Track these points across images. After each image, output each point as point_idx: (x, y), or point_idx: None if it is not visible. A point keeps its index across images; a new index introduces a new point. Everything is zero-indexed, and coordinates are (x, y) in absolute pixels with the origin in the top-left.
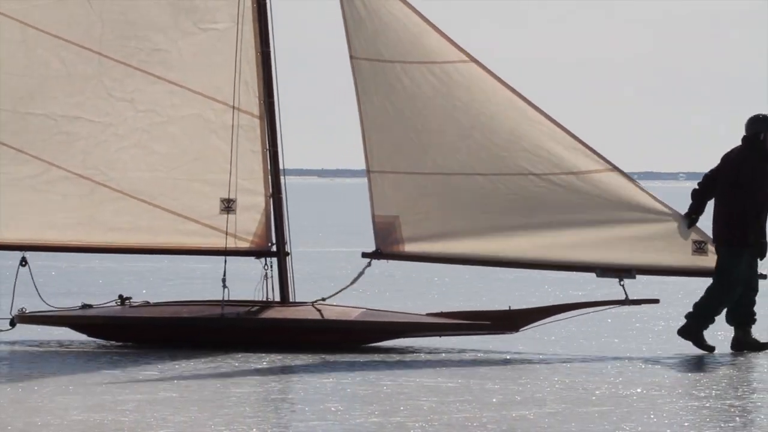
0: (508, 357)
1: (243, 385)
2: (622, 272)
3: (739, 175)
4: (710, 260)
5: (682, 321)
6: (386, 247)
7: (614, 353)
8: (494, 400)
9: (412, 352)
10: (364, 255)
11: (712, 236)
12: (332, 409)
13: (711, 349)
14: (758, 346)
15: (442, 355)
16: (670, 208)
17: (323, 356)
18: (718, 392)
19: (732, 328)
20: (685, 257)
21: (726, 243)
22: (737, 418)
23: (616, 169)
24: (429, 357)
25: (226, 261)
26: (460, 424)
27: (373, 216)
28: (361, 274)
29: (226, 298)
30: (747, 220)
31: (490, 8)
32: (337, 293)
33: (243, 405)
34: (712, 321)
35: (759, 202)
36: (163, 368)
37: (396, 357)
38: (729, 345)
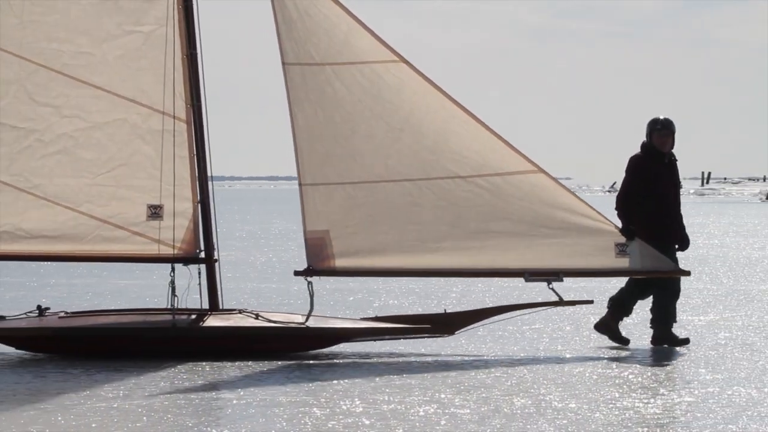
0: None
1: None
2: (550, 276)
3: (653, 180)
4: (631, 261)
5: (648, 331)
6: (318, 263)
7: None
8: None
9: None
10: (297, 273)
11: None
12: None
13: (687, 341)
14: (676, 342)
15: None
16: (594, 210)
17: (264, 363)
18: (125, 393)
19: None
20: (609, 260)
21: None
22: (144, 418)
23: (541, 170)
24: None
25: (173, 267)
26: None
27: (305, 232)
28: (312, 294)
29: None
30: (668, 220)
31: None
32: (308, 317)
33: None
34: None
35: (675, 200)
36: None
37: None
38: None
